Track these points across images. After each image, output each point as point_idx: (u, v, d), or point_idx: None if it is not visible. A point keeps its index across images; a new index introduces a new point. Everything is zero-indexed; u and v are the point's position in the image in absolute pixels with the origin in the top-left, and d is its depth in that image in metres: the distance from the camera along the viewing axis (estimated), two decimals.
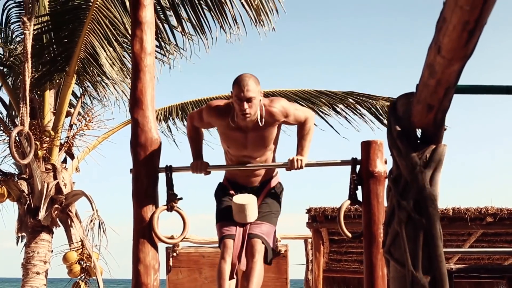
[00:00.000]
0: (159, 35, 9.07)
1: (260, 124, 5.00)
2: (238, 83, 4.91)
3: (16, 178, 8.45)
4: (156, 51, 9.21)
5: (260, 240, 5.12)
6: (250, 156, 5.19)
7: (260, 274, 5.12)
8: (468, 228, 9.36)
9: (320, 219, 8.80)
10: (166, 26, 9.11)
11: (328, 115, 10.07)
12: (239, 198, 5.16)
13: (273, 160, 5.34)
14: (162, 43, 9.30)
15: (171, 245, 10.17)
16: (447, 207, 9.06)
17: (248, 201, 5.12)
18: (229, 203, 5.21)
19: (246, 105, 4.85)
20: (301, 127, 5.16)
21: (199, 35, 9.07)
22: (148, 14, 5.02)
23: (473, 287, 14.14)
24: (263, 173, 5.35)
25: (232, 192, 5.32)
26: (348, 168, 4.86)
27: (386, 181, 4.55)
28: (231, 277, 5.07)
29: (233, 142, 5.16)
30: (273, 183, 5.42)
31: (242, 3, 8.78)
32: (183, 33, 9.07)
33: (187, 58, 9.48)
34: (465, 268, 9.64)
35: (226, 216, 5.22)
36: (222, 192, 5.40)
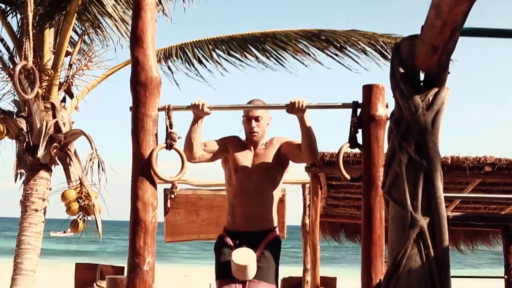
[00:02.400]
0: None
1: (263, 147, 5.46)
2: (249, 104, 5.33)
3: (15, 116, 8.42)
4: None
5: None
6: (254, 181, 5.39)
7: None
8: (466, 177, 9.37)
9: (318, 164, 8.79)
10: None
11: (330, 56, 9.95)
12: (239, 257, 5.17)
13: (272, 210, 5.49)
14: None
15: (169, 187, 10.22)
16: (446, 156, 9.06)
17: (248, 261, 5.14)
18: (228, 258, 5.28)
19: (254, 123, 5.38)
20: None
21: None
22: None
23: (468, 236, 14.23)
24: (263, 215, 5.45)
25: (231, 243, 5.41)
26: (348, 112, 4.85)
27: (387, 124, 4.55)
28: None
29: (240, 163, 5.41)
30: (272, 235, 5.49)
31: None
32: None
33: None
34: (461, 216, 9.72)
35: (225, 273, 5.29)
36: (221, 246, 5.47)
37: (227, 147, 5.47)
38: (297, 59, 9.91)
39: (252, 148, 5.48)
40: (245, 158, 5.43)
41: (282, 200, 9.30)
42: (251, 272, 5.14)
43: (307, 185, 11.81)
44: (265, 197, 5.42)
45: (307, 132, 5.09)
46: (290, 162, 5.55)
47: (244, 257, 5.14)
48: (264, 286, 5.22)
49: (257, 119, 5.39)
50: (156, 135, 4.90)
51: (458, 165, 9.02)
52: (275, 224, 5.53)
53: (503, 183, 10.14)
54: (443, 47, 3.07)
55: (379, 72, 10.01)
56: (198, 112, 5.04)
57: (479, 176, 9.25)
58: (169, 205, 10.29)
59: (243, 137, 5.60)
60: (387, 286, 3.61)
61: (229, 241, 5.42)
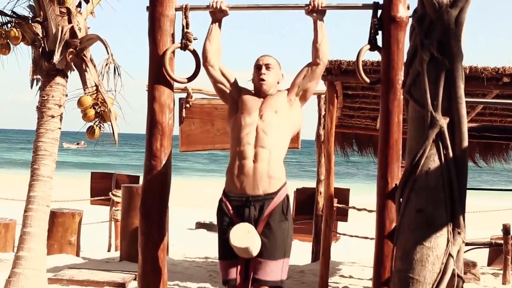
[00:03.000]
0: None
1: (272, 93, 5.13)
2: (260, 56, 5.18)
3: (30, 21, 8.34)
4: None
5: (267, 286, 4.75)
6: (260, 118, 4.93)
7: None
8: (484, 88, 9.26)
9: (335, 72, 8.69)
10: None
11: None
12: (237, 238, 4.62)
13: (280, 163, 4.90)
14: None
15: (184, 96, 10.19)
16: (464, 65, 8.96)
17: (247, 244, 4.59)
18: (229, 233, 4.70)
19: (264, 69, 5.07)
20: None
21: None
22: None
23: (483, 149, 14.20)
24: (268, 173, 4.81)
25: (231, 211, 4.81)
26: (369, 15, 4.77)
27: (408, 25, 4.47)
28: None
29: (247, 104, 5.02)
30: (279, 198, 4.84)
31: None
32: None
33: None
34: (477, 127, 9.69)
35: (227, 253, 4.79)
36: (222, 215, 4.90)
37: (239, 88, 5.15)
38: None
39: (261, 95, 5.09)
40: (254, 101, 5.03)
41: None
42: (255, 249, 4.63)
43: (323, 96, 11.77)
44: (272, 144, 4.85)
45: (321, 31, 4.95)
46: (300, 123, 5.23)
47: (243, 236, 4.61)
48: (272, 266, 4.72)
49: (267, 66, 5.08)
50: (173, 35, 4.86)
51: (476, 75, 8.91)
52: (283, 181, 4.88)
53: None
54: None
55: None
56: (216, 12, 4.97)
57: (496, 87, 9.14)
58: (184, 115, 10.29)
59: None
60: (404, 186, 3.60)
61: (229, 208, 4.84)
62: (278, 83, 5.20)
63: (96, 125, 8.30)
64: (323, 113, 12.17)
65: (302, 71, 5.05)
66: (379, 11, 4.70)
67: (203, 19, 5.04)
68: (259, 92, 5.11)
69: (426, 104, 3.43)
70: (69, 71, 8.32)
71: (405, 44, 4.59)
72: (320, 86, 10.14)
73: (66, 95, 8.32)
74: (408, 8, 4.62)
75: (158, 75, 4.78)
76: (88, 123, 8.32)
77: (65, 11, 8.26)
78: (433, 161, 3.39)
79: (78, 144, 79.97)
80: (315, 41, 4.97)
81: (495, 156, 14.31)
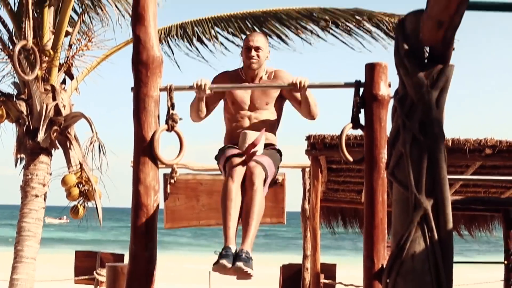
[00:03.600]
0: None
1: (264, 79, 5.45)
2: (248, 35, 5.55)
3: (14, 99, 8.37)
4: None
5: (260, 166, 5.12)
6: (252, 116, 5.44)
7: (261, 202, 5.15)
8: (466, 160, 9.33)
9: (319, 147, 8.76)
10: None
11: (333, 35, 9.86)
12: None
13: (273, 131, 5.55)
14: None
15: (168, 172, 10.17)
16: (446, 137, 9.01)
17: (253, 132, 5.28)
18: (233, 148, 5.33)
19: (253, 52, 5.36)
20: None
21: None
22: None
23: (468, 221, 14.20)
24: (263, 136, 5.36)
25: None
26: (351, 93, 4.81)
27: (390, 104, 4.51)
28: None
29: (237, 97, 5.44)
30: (272, 147, 5.54)
31: None
32: None
33: None
34: (461, 199, 9.70)
35: (228, 150, 5.33)
36: (224, 148, 5.48)
37: (222, 92, 5.50)
38: (300, 37, 9.83)
39: (250, 80, 5.47)
40: (243, 91, 5.45)
41: (282, 185, 9.25)
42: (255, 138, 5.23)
43: (307, 169, 11.78)
44: (265, 125, 5.43)
45: (308, 104, 5.25)
46: None
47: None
48: (267, 159, 5.22)
49: (257, 49, 5.39)
50: (158, 116, 4.86)
51: (459, 147, 8.98)
52: (276, 144, 5.60)
53: (503, 165, 10.11)
54: (449, 22, 3.03)
55: (382, 51, 9.92)
56: (200, 92, 5.04)
57: (479, 158, 9.21)
58: (168, 191, 10.26)
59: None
60: (390, 270, 3.57)
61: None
62: (266, 57, 5.50)
63: (80, 204, 8.25)
64: (307, 187, 12.17)
65: (296, 103, 5.42)
66: (361, 89, 4.75)
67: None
68: (249, 72, 5.45)
69: (410, 186, 3.43)
70: (54, 149, 8.31)
71: (388, 121, 4.62)
72: (304, 159, 10.17)
73: (50, 174, 8.30)
74: (390, 85, 4.67)
75: (144, 156, 4.75)
76: (72, 202, 8.27)
77: (49, 88, 8.30)
78: (418, 244, 3.37)
79: (60, 219, 79.03)
80: (306, 113, 5.33)
81: (480, 227, 14.30)
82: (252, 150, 5.17)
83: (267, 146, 5.43)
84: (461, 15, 2.95)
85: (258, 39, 5.43)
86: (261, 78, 5.47)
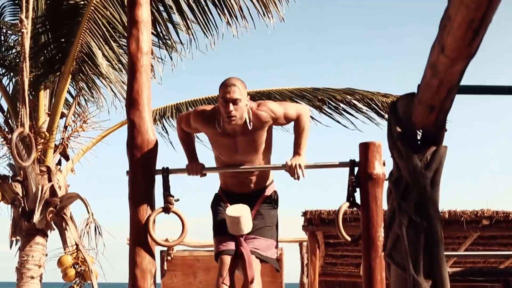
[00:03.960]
0: (161, 33, 9.02)
1: (249, 128, 4.95)
2: (224, 85, 4.89)
3: (10, 181, 8.38)
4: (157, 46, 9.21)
5: (255, 256, 5.05)
6: (242, 160, 5.09)
7: None
8: (464, 231, 9.34)
9: (316, 222, 8.76)
10: (166, 22, 9.03)
11: (326, 114, 9.95)
12: (232, 210, 5.06)
13: (267, 171, 5.31)
14: (163, 40, 9.21)
15: (166, 248, 10.12)
16: (443, 210, 9.05)
17: (241, 213, 5.01)
18: (224, 216, 5.12)
19: (231, 107, 4.81)
20: (296, 124, 5.07)
21: (204, 31, 9.00)
22: (144, 13, 4.98)
23: None
24: (257, 180, 5.25)
25: (227, 204, 5.23)
26: (346, 170, 4.83)
27: (385, 183, 4.52)
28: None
29: (223, 148, 5.11)
30: (268, 191, 5.33)
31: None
32: (187, 28, 8.96)
33: (192, 55, 9.31)
34: (461, 271, 9.60)
35: (222, 229, 5.14)
36: (217, 204, 5.33)
37: (199, 130, 5.18)
38: None
39: (233, 131, 4.98)
40: (228, 143, 5.04)
41: (279, 260, 9.24)
42: (246, 225, 5.01)
43: (305, 244, 11.74)
44: (256, 164, 5.12)
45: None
46: None
47: (237, 210, 5.03)
48: (261, 241, 5.09)
49: (235, 102, 4.81)
50: (153, 199, 4.87)
51: (456, 219, 9.00)
52: (271, 179, 5.35)
53: (501, 236, 10.11)
54: (440, 107, 3.07)
55: (376, 129, 10.00)
56: (194, 174, 5.03)
57: (476, 230, 9.21)
58: (165, 267, 10.21)
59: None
60: None
61: (224, 199, 5.27)
62: (246, 105, 4.93)
63: (77, 285, 8.18)
64: (305, 261, 12.10)
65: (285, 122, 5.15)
66: (356, 169, 4.77)
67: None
68: (229, 124, 4.93)
69: (408, 268, 3.41)
70: (49, 230, 8.28)
71: (384, 200, 4.63)
72: (301, 233, 10.14)
73: (46, 255, 8.25)
74: (384, 164, 4.69)
75: (139, 240, 4.74)
76: (68, 283, 8.21)
77: (45, 170, 8.32)
78: None
79: None
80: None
81: None
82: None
83: (263, 189, 5.28)
84: (451, 99, 2.99)
85: (235, 89, 4.81)
86: (243, 126, 4.95)
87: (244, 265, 5.01)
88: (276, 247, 5.26)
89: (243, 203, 5.13)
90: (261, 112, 4.97)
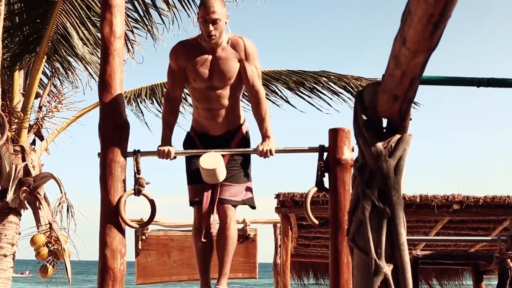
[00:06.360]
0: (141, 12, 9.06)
1: (226, 46, 5.09)
2: (204, 4, 4.98)
3: None
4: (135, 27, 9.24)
5: (231, 204, 5.22)
6: (215, 86, 5.16)
7: (233, 240, 5.26)
8: (435, 215, 9.46)
9: (288, 204, 8.85)
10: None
11: (301, 97, 9.98)
12: (206, 161, 5.02)
13: (238, 108, 5.40)
14: (143, 19, 9.23)
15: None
16: (414, 194, 9.17)
17: (215, 165, 5.02)
18: (197, 165, 5.12)
19: (211, 27, 4.94)
20: (259, 107, 5.24)
21: (185, 9, 9.05)
22: None
23: (439, 274, 14.28)
24: (228, 117, 5.30)
25: (198, 144, 5.32)
26: (316, 154, 4.90)
27: (352, 169, 4.60)
28: (205, 238, 5.21)
29: (199, 77, 5.14)
30: (240, 134, 5.41)
31: None
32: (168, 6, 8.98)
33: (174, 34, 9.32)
34: (431, 254, 9.75)
35: (196, 178, 5.22)
36: (190, 145, 5.39)
37: (183, 67, 5.19)
38: (268, 99, 9.94)
39: (210, 50, 5.12)
40: (204, 65, 5.12)
41: (253, 240, 9.31)
42: (221, 174, 5.09)
43: (278, 225, 11.83)
44: (229, 99, 5.22)
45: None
46: None
47: (211, 161, 5.03)
48: (236, 188, 5.24)
49: (214, 22, 4.93)
50: (124, 181, 4.91)
51: (427, 203, 9.11)
52: (242, 120, 5.43)
53: (471, 220, 10.25)
54: (403, 96, 3.13)
55: (348, 113, 10.04)
56: (165, 158, 5.07)
57: (447, 214, 9.33)
58: (140, 247, 10.24)
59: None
60: None
61: (197, 142, 5.35)
62: (226, 23, 5.07)
63: (50, 264, 8.22)
64: (279, 242, 12.19)
65: (247, 86, 5.25)
66: (325, 154, 4.84)
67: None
68: (209, 45, 5.06)
69: (370, 252, 3.49)
70: (23, 209, 8.29)
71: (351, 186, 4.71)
72: (275, 215, 10.22)
73: (19, 233, 8.27)
74: (353, 150, 4.77)
75: (110, 221, 4.79)
76: (41, 262, 8.24)
77: (19, 149, 8.31)
78: None
79: (22, 273, 77.68)
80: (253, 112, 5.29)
81: (451, 280, 14.37)
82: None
83: (236, 130, 5.36)
84: (415, 89, 3.05)
85: (215, 10, 4.91)
86: (221, 45, 5.11)
87: (219, 212, 5.20)
88: (250, 183, 5.39)
89: (216, 146, 5.17)
90: (240, 39, 5.14)
